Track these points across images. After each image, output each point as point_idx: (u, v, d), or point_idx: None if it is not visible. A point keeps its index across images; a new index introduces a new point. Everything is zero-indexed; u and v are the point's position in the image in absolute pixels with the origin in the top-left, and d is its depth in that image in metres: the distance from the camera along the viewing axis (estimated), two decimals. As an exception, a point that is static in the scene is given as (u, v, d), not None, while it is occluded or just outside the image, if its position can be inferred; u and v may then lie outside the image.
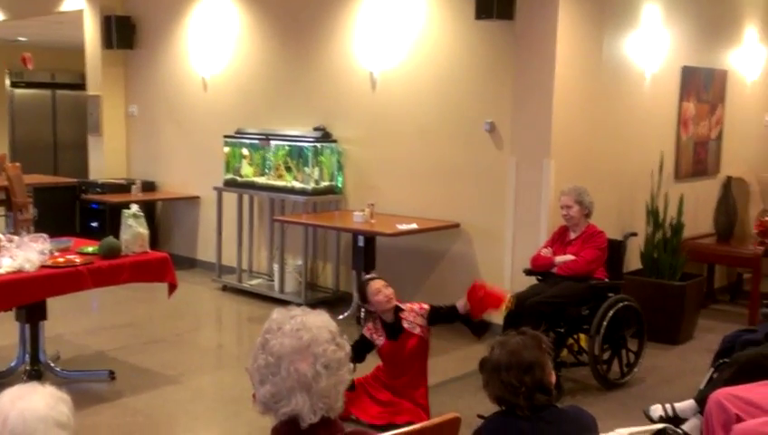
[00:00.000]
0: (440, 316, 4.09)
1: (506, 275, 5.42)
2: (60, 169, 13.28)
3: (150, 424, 4.04)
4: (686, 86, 6.33)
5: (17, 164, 8.58)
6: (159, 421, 4.09)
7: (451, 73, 5.79)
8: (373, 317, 4.10)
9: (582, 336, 4.70)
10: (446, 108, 5.84)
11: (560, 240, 4.81)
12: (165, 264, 4.56)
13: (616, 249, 4.82)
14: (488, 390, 2.23)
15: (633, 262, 5.67)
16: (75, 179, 8.72)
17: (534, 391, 2.17)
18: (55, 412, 1.55)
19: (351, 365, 1.77)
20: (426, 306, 4.09)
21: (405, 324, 4.03)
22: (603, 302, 4.54)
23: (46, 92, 14.26)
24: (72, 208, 8.13)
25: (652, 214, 5.66)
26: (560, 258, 4.66)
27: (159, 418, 4.13)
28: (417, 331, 4.03)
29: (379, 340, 4.06)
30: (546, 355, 2.25)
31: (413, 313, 4.05)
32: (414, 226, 5.59)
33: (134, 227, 4.52)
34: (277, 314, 1.74)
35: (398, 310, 4.05)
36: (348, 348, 1.75)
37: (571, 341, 4.67)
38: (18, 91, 13.99)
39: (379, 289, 4.01)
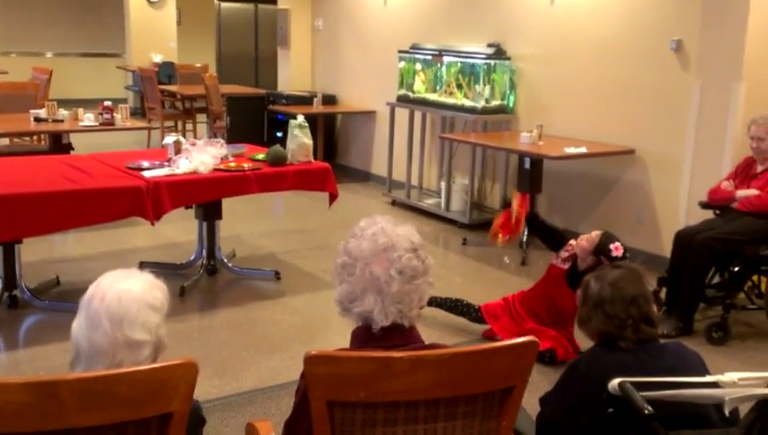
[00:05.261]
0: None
1: (681, 207, 5.04)
2: (260, 81, 14.03)
3: (305, 323, 4.29)
4: None
5: (213, 74, 9.20)
6: (313, 322, 4.33)
7: (638, -15, 5.33)
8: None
9: (765, 278, 4.32)
10: (630, 24, 5.40)
11: (743, 173, 4.37)
12: (326, 174, 4.71)
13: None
14: (589, 326, 2.19)
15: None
16: (264, 91, 9.17)
17: (640, 323, 2.11)
18: (150, 296, 1.69)
19: (431, 279, 1.76)
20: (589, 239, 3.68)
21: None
22: (788, 242, 4.11)
23: (249, 6, 14.96)
24: (262, 118, 8.55)
25: None
26: (742, 192, 4.28)
27: (314, 318, 4.37)
28: (556, 262, 3.84)
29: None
30: (648, 287, 2.19)
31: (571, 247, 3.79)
32: (582, 149, 5.32)
33: (299, 137, 4.70)
34: (364, 221, 1.79)
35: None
36: (429, 262, 1.75)
37: (750, 283, 4.31)
38: (225, 5, 14.81)
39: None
